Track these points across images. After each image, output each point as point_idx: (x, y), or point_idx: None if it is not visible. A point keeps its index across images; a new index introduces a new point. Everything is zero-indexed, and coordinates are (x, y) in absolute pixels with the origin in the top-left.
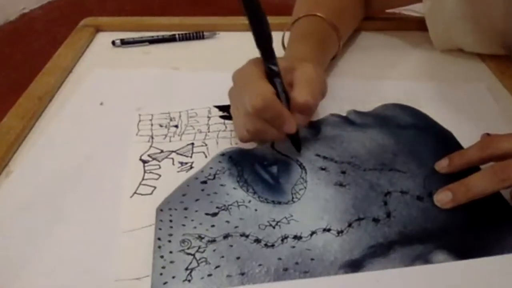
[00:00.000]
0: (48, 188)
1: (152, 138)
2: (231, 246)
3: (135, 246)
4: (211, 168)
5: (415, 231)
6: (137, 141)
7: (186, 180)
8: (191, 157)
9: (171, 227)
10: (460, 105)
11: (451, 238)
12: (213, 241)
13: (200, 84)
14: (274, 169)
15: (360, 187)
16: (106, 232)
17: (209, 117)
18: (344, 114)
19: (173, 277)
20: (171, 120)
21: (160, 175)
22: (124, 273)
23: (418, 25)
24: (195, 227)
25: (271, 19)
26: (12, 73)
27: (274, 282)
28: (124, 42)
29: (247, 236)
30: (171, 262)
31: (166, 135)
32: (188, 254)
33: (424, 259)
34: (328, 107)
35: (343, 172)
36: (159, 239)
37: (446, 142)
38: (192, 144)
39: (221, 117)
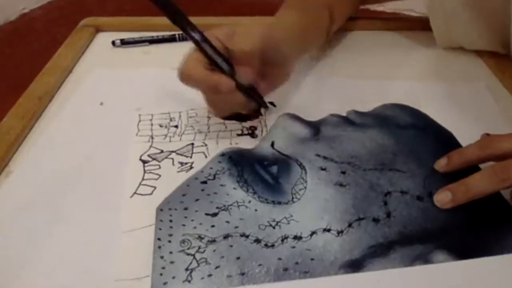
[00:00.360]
0: (48, 188)
1: (152, 138)
2: (231, 246)
3: (135, 246)
4: (211, 168)
5: (415, 231)
6: (137, 141)
7: (186, 180)
8: (191, 157)
9: (171, 227)
10: (460, 105)
11: (451, 238)
12: (213, 241)
13: None
14: (274, 169)
15: (360, 187)
16: (106, 232)
17: (209, 117)
18: (344, 114)
19: (173, 278)
20: (171, 120)
21: (160, 175)
22: (124, 273)
23: (418, 25)
24: (195, 227)
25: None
26: (12, 73)
27: (274, 282)
28: (124, 42)
29: (247, 236)
30: (171, 262)
31: (166, 135)
32: (188, 254)
33: (424, 259)
34: (328, 107)
35: (343, 172)
36: (159, 239)
37: (446, 142)
38: (192, 144)
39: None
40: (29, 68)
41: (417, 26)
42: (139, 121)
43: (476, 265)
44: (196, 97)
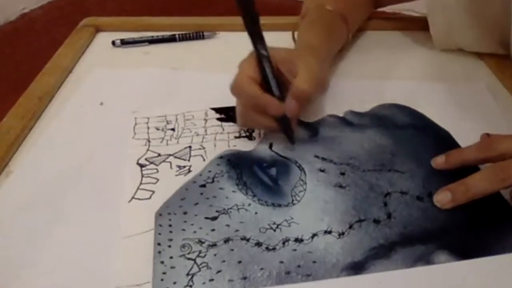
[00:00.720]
0: (48, 188)
1: (149, 141)
2: (232, 250)
3: (135, 252)
4: (209, 171)
5: (416, 231)
6: (134, 145)
7: (185, 184)
8: (189, 160)
9: (171, 231)
10: (460, 105)
11: (451, 238)
12: (213, 245)
13: (199, 86)
14: (273, 171)
15: (359, 188)
16: (106, 232)
17: (206, 120)
18: (341, 114)
19: (174, 283)
20: (167, 123)
21: (158, 179)
22: (125, 279)
23: (418, 25)
24: (195, 232)
25: (273, 19)
26: (12, 73)
27: (277, 286)
28: (124, 42)
29: (248, 240)
30: (172, 267)
31: (163, 139)
32: (189, 259)
33: (426, 259)
34: (327, 107)
35: (342, 174)
36: (159, 244)
37: (444, 142)
38: (190, 147)
39: (218, 119)
40: (29, 68)
41: (417, 26)
42: (135, 124)
43: (477, 265)
44: (194, 99)
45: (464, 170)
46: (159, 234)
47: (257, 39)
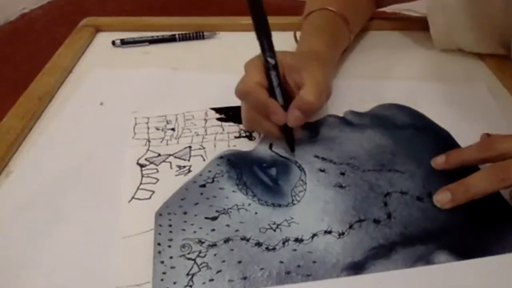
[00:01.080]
0: (48, 188)
1: (149, 141)
2: (232, 250)
3: (135, 252)
4: (209, 171)
5: (416, 231)
6: (134, 145)
7: (185, 184)
8: (189, 160)
9: (171, 231)
10: (460, 105)
11: (451, 238)
12: (213, 245)
13: (199, 86)
14: (273, 171)
15: (359, 188)
16: (106, 232)
17: (206, 120)
18: (341, 114)
19: (174, 283)
20: (167, 123)
21: (158, 179)
22: (125, 279)
23: (418, 25)
24: (195, 232)
25: (274, 19)
26: (12, 73)
27: (277, 286)
28: (124, 42)
29: (248, 240)
30: (172, 267)
31: (163, 139)
32: (189, 259)
33: (426, 259)
34: (327, 107)
35: (342, 174)
36: (159, 244)
37: (444, 142)
38: (190, 147)
39: (218, 119)
40: (29, 68)
41: (417, 26)
42: (135, 124)
43: (477, 265)
44: (194, 99)
45: (464, 170)
46: (159, 234)
47: (265, 48)
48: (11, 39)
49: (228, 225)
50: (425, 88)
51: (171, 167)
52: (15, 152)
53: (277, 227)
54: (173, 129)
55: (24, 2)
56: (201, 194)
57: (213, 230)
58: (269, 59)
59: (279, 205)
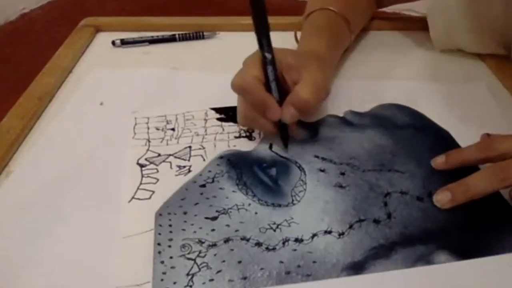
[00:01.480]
0: (48, 188)
1: (149, 141)
2: (232, 250)
3: (135, 252)
4: (209, 171)
5: (416, 231)
6: (134, 145)
7: (185, 184)
8: (189, 160)
9: (171, 231)
10: (460, 105)
11: (452, 238)
12: (213, 245)
13: (199, 86)
14: (273, 171)
15: (359, 188)
16: (106, 232)
17: (206, 120)
18: (341, 114)
19: (174, 283)
20: (167, 123)
21: (158, 179)
22: (125, 279)
23: (418, 25)
24: (195, 232)
25: (275, 19)
26: (12, 73)
27: (277, 286)
28: (124, 42)
29: (248, 240)
30: (172, 267)
31: (163, 139)
32: (189, 259)
33: (426, 259)
34: (327, 107)
35: (342, 174)
36: (159, 244)
37: (444, 142)
38: (190, 147)
39: (218, 119)
40: (29, 68)
41: (417, 26)
42: (135, 124)
43: (477, 265)
44: (194, 99)
45: (464, 170)
46: (159, 234)
47: (263, 43)
48: (11, 39)
49: (228, 225)
50: (425, 88)
51: (171, 167)
52: (15, 152)
53: (277, 227)
54: (173, 129)
55: (24, 2)
56: (201, 194)
57: (213, 230)
58: (266, 54)
59: (279, 205)
